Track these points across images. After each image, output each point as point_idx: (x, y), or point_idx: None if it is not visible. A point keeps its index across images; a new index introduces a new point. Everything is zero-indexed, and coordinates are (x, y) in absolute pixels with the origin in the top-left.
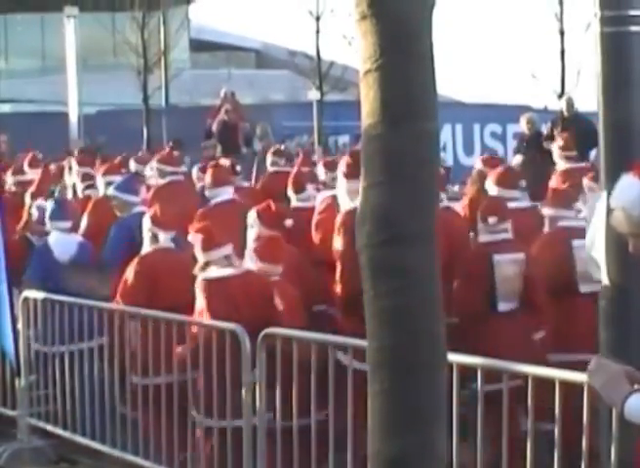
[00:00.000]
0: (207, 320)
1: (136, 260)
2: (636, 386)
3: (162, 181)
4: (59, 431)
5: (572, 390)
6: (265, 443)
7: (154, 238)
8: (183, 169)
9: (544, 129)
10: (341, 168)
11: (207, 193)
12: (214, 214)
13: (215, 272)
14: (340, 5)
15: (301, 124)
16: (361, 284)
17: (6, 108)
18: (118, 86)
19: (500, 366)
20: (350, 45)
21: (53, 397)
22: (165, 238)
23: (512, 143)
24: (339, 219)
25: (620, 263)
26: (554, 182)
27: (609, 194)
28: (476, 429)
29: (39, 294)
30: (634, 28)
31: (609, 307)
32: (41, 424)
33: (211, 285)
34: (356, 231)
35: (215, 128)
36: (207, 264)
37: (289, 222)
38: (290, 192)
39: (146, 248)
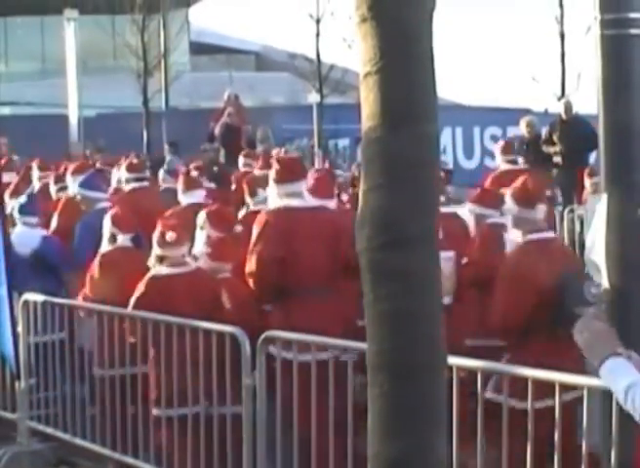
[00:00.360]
0: (207, 323)
1: (97, 258)
2: (620, 350)
3: (127, 187)
4: (58, 434)
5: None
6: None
7: (112, 238)
8: (146, 174)
9: (544, 132)
10: (271, 174)
11: (179, 198)
12: (179, 216)
13: (164, 270)
14: (341, 8)
15: (301, 127)
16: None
17: (6, 111)
18: (118, 89)
19: (500, 369)
20: (350, 48)
21: (53, 400)
22: (124, 238)
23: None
24: (261, 218)
25: (621, 266)
26: (488, 183)
27: (609, 197)
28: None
29: (39, 297)
30: (634, 31)
31: (609, 310)
32: (41, 427)
33: (154, 281)
34: (356, 234)
35: (218, 131)
36: (161, 259)
37: (238, 228)
38: (246, 196)
39: (105, 246)
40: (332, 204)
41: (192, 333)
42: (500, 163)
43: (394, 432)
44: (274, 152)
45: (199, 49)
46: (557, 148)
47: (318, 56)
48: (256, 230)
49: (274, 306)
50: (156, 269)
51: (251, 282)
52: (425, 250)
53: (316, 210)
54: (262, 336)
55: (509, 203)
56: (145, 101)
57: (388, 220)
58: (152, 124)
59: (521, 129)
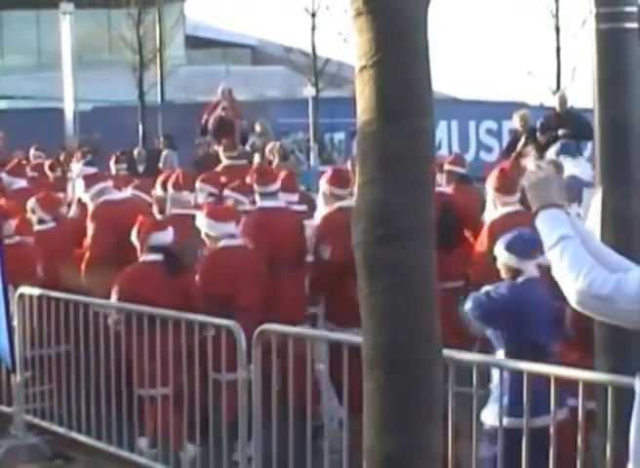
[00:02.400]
0: (202, 316)
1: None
2: (561, 201)
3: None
4: (54, 427)
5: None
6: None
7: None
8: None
9: (538, 124)
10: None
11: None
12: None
13: None
14: (336, 2)
15: (297, 121)
16: None
17: (1, 105)
18: (114, 82)
19: (496, 363)
20: (346, 42)
21: (48, 393)
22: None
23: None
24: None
25: None
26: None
27: (604, 191)
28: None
29: (35, 291)
30: (629, 25)
31: None
32: (37, 421)
33: None
34: (352, 228)
35: (211, 124)
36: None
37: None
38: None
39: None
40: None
41: (187, 326)
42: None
43: (390, 426)
44: (270, 145)
45: (195, 43)
46: (564, 130)
47: (314, 49)
48: None
49: None
50: None
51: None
52: (421, 243)
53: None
54: (258, 330)
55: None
56: (141, 95)
57: (384, 214)
58: (148, 118)
59: (515, 123)
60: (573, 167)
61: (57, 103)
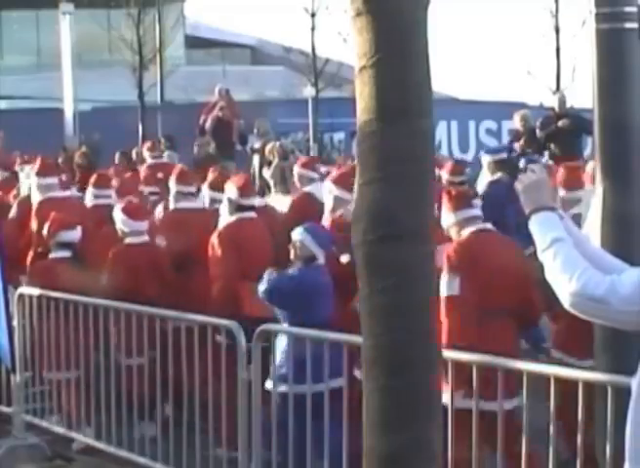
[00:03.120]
0: (202, 317)
1: None
2: (554, 205)
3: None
4: (54, 427)
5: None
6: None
7: None
8: None
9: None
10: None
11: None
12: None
13: None
14: (336, 2)
15: (297, 121)
16: None
17: (1, 105)
18: (113, 82)
19: (495, 363)
20: (345, 42)
21: (48, 393)
22: None
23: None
24: None
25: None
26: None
27: (604, 190)
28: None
29: (34, 291)
30: (629, 25)
31: None
32: (36, 421)
33: None
34: (352, 228)
35: (209, 125)
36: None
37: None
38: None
39: None
40: None
41: (187, 327)
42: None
43: (389, 426)
44: (270, 145)
45: (194, 43)
46: (565, 121)
47: (313, 50)
48: None
49: None
50: None
51: None
52: (421, 243)
53: None
54: (258, 330)
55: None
56: (141, 95)
57: (384, 214)
58: (147, 118)
59: (515, 123)
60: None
61: (56, 103)
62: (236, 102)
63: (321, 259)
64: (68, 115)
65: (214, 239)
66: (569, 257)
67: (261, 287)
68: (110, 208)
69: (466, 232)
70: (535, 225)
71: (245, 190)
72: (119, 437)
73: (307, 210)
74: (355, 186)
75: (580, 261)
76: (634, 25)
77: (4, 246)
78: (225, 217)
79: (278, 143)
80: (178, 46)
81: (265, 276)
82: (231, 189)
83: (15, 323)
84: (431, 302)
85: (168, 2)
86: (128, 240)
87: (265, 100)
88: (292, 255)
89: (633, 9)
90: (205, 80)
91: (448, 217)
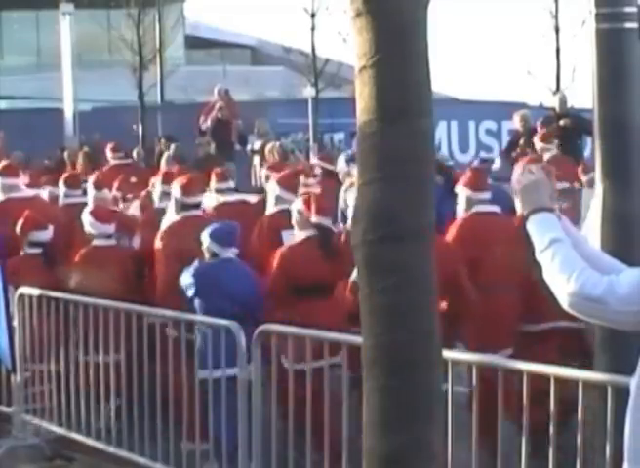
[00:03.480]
0: (202, 317)
1: None
2: (552, 205)
3: None
4: (54, 428)
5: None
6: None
7: None
8: None
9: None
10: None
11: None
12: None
13: None
14: (336, 2)
15: (297, 121)
16: None
17: (1, 105)
18: (113, 83)
19: (495, 362)
20: (345, 42)
21: (48, 393)
22: None
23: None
24: None
25: (616, 259)
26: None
27: (604, 190)
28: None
29: (35, 291)
30: (629, 25)
31: None
32: (36, 421)
33: None
34: (352, 228)
35: (207, 125)
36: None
37: None
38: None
39: None
40: None
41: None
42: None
43: (389, 426)
44: (270, 146)
45: (194, 43)
46: (565, 121)
47: (313, 50)
48: None
49: None
50: None
51: None
52: (421, 244)
53: None
54: (258, 330)
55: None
56: (141, 95)
57: (384, 214)
58: (147, 118)
59: (515, 123)
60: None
61: (56, 104)
62: (235, 102)
63: (225, 255)
64: (68, 115)
65: (157, 238)
66: (567, 258)
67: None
68: (81, 206)
69: None
70: (533, 226)
71: (188, 189)
72: (119, 437)
73: None
74: (356, 186)
75: (578, 262)
76: (634, 25)
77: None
78: (171, 216)
79: (278, 143)
80: (178, 46)
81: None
82: (176, 189)
83: (15, 323)
84: (431, 302)
85: (168, 2)
86: (95, 242)
87: (265, 101)
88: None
89: (633, 9)
90: (205, 80)
91: None
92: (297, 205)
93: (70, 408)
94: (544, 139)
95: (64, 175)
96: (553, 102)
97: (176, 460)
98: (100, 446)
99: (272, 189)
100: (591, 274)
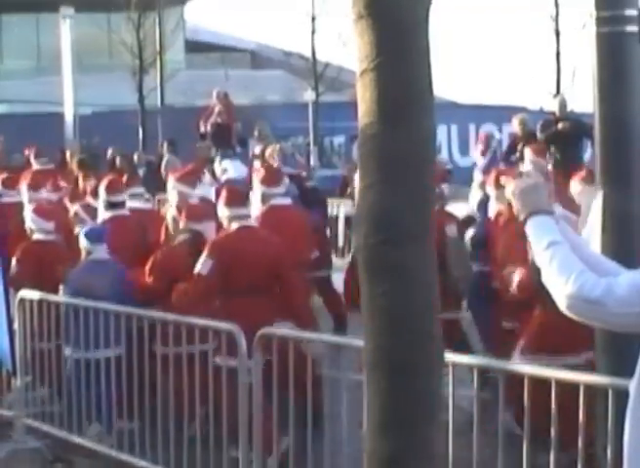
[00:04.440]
0: (203, 320)
1: None
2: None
3: None
4: (54, 431)
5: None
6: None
7: None
8: None
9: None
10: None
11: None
12: None
13: None
14: (336, 6)
15: (297, 124)
16: None
17: (1, 109)
18: (114, 86)
19: (495, 365)
20: (345, 46)
21: (49, 397)
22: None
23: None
24: None
25: (616, 259)
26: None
27: (605, 193)
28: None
29: (35, 295)
30: (629, 28)
31: None
32: (37, 425)
33: None
34: (353, 231)
35: (205, 129)
36: None
37: None
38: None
39: None
40: None
41: (188, 330)
42: None
43: (391, 429)
44: (270, 148)
45: (194, 47)
46: (565, 125)
47: (314, 53)
48: None
49: None
50: None
51: None
52: (422, 246)
53: None
54: (259, 333)
55: None
56: (141, 99)
57: (385, 217)
58: (148, 122)
59: (514, 126)
60: (231, 169)
61: (57, 107)
62: (234, 106)
63: (97, 254)
64: (69, 119)
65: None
66: (565, 260)
67: None
68: (19, 205)
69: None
70: (531, 229)
71: (111, 189)
72: (120, 440)
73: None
74: (357, 189)
75: (577, 264)
76: (634, 29)
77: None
78: (101, 215)
79: (278, 146)
80: (177, 50)
81: None
82: (101, 189)
83: (15, 326)
84: (433, 305)
85: (168, 6)
86: (35, 236)
87: (265, 104)
88: None
89: (633, 12)
90: (205, 84)
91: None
92: (171, 212)
93: (72, 411)
94: (538, 152)
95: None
96: (553, 106)
97: (177, 463)
98: (101, 449)
99: (173, 185)
100: (589, 276)
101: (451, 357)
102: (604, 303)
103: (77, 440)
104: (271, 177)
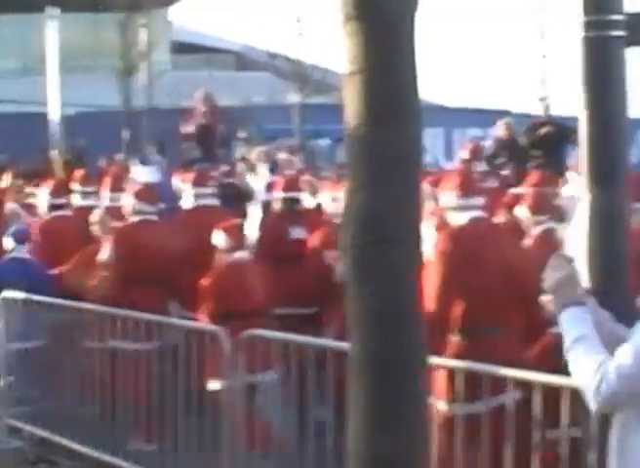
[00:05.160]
0: (187, 322)
1: None
2: (579, 297)
3: None
4: (38, 431)
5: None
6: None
7: None
8: None
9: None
10: None
11: None
12: None
13: None
14: (322, 8)
15: (282, 127)
16: None
17: None
18: (99, 87)
19: (479, 368)
20: (331, 48)
21: (32, 397)
22: None
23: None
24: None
25: (603, 267)
26: None
27: (591, 197)
28: None
29: (19, 295)
30: (616, 33)
31: None
32: (20, 425)
33: None
34: (341, 232)
35: (190, 130)
36: None
37: None
38: None
39: None
40: None
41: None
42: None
43: (377, 430)
44: (256, 151)
45: (180, 48)
46: (549, 129)
47: (299, 56)
48: None
49: None
50: None
51: None
52: (409, 248)
53: None
54: (243, 335)
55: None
56: (126, 100)
57: (372, 219)
58: (133, 122)
59: (499, 130)
60: (147, 173)
61: (42, 108)
62: (218, 107)
63: (18, 253)
64: (54, 119)
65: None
66: (587, 355)
67: None
68: None
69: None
70: (563, 322)
71: (54, 191)
72: (104, 442)
73: None
74: (344, 191)
75: (596, 359)
76: (621, 33)
77: None
78: (44, 216)
79: (264, 149)
80: (163, 51)
81: None
82: (45, 192)
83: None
84: (418, 306)
85: (154, 7)
86: None
87: (251, 106)
88: None
89: (620, 17)
90: (190, 85)
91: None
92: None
93: (56, 411)
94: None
95: None
96: (538, 110)
97: (159, 464)
98: (84, 450)
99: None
100: (604, 373)
101: (436, 361)
102: (622, 392)
103: (60, 440)
104: (200, 180)
